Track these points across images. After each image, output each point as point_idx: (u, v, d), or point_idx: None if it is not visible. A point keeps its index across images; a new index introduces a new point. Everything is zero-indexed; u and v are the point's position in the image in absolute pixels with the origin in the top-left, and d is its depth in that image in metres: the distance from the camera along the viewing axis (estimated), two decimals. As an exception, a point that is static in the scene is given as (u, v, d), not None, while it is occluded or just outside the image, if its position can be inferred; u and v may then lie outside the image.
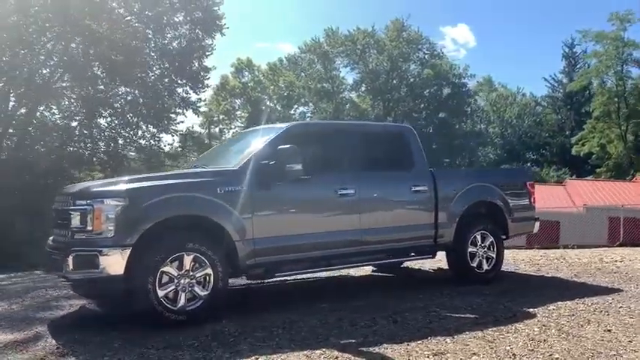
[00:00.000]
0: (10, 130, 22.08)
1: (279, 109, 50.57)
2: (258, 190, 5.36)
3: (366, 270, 8.32)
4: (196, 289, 5.01)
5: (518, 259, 9.51)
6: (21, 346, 4.50)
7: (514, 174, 7.95)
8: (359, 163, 6.16)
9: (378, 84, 44.47)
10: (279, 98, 49.24)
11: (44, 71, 22.86)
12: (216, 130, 47.89)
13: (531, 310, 5.49)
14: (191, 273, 4.98)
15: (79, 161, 22.86)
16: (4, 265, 10.48)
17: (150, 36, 23.70)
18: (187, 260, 4.96)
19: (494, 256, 7.05)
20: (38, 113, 24.13)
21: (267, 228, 5.40)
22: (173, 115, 24.13)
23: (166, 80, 23.79)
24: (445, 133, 44.67)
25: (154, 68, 24.34)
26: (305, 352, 4.19)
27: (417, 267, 8.60)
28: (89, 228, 4.76)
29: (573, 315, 5.28)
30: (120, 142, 24.06)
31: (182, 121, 24.16)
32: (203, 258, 5.02)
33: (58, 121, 23.63)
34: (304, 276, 7.55)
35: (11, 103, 22.01)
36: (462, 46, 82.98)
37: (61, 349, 4.38)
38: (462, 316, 5.31)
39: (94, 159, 24.09)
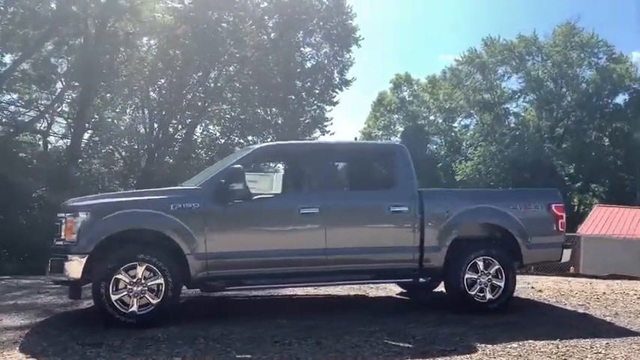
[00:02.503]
0: (170, 149, 25.33)
1: (440, 122, 49.73)
2: (213, 208, 5.73)
3: (390, 290, 8.12)
4: (148, 296, 5.54)
5: (581, 292, 8.39)
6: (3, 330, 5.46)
7: (534, 195, 7.06)
8: (329, 182, 6.19)
9: (543, 93, 41.19)
10: (440, 111, 48.36)
11: (200, 95, 25.77)
12: (374, 145, 48.52)
13: (484, 345, 5.02)
14: (143, 281, 5.53)
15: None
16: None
17: (290, 59, 25.38)
18: (140, 270, 5.51)
19: (501, 285, 6.42)
20: (200, 131, 27.38)
21: (221, 243, 5.73)
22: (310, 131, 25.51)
23: (303, 99, 25.25)
24: (625, 146, 39.54)
25: (295, 88, 26.01)
26: (187, 361, 4.48)
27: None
28: (62, 237, 5.60)
29: (521, 356, 4.71)
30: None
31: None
32: (155, 268, 5.54)
33: (210, 140, 26.44)
34: (309, 291, 7.73)
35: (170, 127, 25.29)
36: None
37: (22, 337, 5.24)
38: (398, 344, 5.07)
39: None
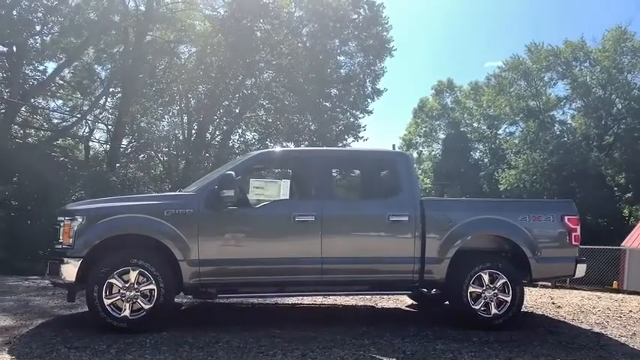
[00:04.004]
0: (207, 155, 25.73)
1: (483, 129, 48.68)
2: (207, 214, 5.70)
3: (400, 302, 7.91)
4: (140, 301, 5.55)
5: (604, 309, 7.93)
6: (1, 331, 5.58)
7: (546, 207, 6.71)
8: (327, 189, 6.05)
9: (591, 99, 39.68)
10: (483, 118, 47.36)
11: (236, 102, 26.11)
12: (415, 153, 47.96)
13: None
14: (136, 286, 5.54)
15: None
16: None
17: (324, 66, 25.38)
18: (133, 274, 5.53)
19: (508, 299, 6.12)
20: (236, 137, 27.75)
21: (214, 250, 5.69)
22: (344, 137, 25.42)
23: (337, 106, 25.21)
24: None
25: (329, 95, 26.01)
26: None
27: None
28: (61, 240, 5.69)
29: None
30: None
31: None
32: (147, 274, 5.54)
33: (246, 145, 26.73)
34: (316, 300, 7.60)
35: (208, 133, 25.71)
36: None
37: (17, 338, 5.34)
38: (381, 358, 4.89)
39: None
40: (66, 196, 18.96)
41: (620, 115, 39.75)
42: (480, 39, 72.55)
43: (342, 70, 25.29)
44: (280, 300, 7.65)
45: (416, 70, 74.05)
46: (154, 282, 5.54)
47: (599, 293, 11.42)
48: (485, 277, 6.11)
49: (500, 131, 47.90)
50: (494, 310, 6.09)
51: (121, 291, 5.51)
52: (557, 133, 41.05)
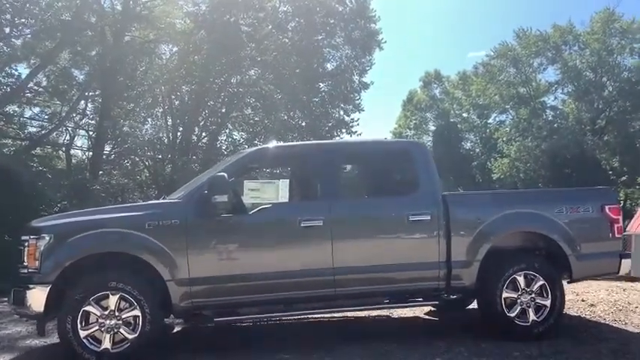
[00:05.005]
0: (194, 157, 24.77)
1: (473, 118, 48.13)
2: (196, 224, 4.88)
3: (418, 309, 7.11)
4: (123, 331, 4.71)
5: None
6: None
7: (583, 196, 5.96)
8: (335, 188, 5.26)
9: (582, 83, 39.14)
10: (473, 108, 46.77)
11: (221, 101, 25.18)
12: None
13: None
14: (117, 314, 4.70)
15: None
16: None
17: (311, 61, 24.53)
18: (113, 300, 4.70)
19: (547, 304, 5.35)
20: (224, 138, 26.85)
21: (207, 266, 4.88)
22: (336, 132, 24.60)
23: (326, 102, 24.38)
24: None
25: (318, 90, 25.18)
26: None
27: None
28: (25, 263, 4.81)
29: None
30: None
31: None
32: (130, 298, 4.71)
33: (235, 146, 25.82)
34: (327, 315, 6.76)
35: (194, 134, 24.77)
36: None
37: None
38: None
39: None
40: (48, 207, 17.99)
41: (611, 97, 39.25)
42: (461, 29, 71.71)
43: (328, 65, 24.50)
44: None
45: (403, 63, 73.13)
46: (138, 307, 4.71)
47: (617, 283, 10.72)
48: (521, 280, 5.35)
49: (490, 120, 47.37)
50: (532, 317, 5.34)
51: (100, 320, 4.68)
52: (550, 119, 40.50)
